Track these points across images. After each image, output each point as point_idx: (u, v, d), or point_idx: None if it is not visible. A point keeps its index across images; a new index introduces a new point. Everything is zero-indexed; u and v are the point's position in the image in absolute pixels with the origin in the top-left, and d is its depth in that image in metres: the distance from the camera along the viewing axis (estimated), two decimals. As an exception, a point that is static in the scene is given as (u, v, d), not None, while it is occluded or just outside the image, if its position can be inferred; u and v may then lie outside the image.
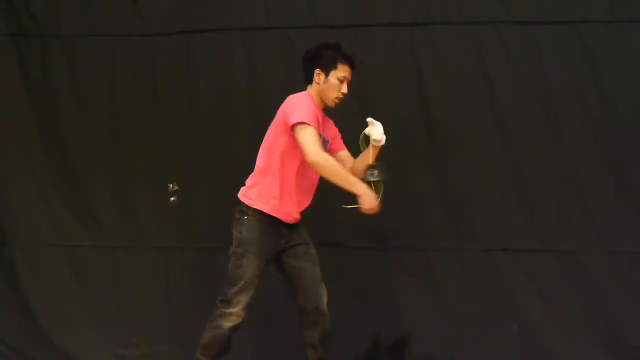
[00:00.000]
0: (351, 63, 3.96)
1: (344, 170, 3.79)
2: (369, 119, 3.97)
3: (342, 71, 3.93)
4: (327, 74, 3.93)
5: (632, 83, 4.65)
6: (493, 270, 4.77)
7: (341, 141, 4.18)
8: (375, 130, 3.95)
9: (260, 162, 3.98)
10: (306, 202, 4.04)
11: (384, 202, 3.77)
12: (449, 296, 4.81)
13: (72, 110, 5.21)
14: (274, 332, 4.89)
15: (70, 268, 5.19)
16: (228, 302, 3.92)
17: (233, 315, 3.91)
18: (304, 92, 3.96)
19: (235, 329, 3.94)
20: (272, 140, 3.93)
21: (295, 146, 3.82)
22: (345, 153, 4.16)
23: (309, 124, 3.74)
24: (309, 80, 3.99)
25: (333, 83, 3.93)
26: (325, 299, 4.06)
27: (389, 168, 3.93)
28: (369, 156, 4.01)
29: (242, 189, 4.02)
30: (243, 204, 3.96)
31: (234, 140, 4.96)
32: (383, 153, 4.03)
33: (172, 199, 4.66)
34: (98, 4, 5.17)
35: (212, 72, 5.04)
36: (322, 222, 4.62)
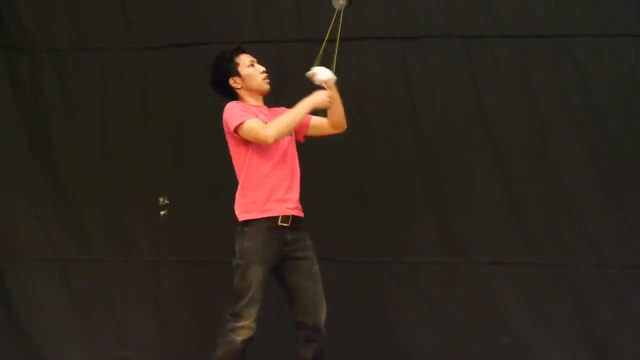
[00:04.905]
0: (241, 50, 4.09)
1: (289, 113, 3.92)
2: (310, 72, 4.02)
3: (243, 60, 4.06)
4: (238, 74, 4.04)
5: (621, 96, 4.66)
6: (483, 284, 4.76)
7: None
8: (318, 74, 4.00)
9: (237, 174, 4.03)
10: (295, 190, 4.03)
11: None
12: (439, 310, 4.80)
13: (62, 124, 5.20)
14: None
15: (60, 282, 5.17)
16: (238, 315, 3.90)
17: (245, 328, 3.90)
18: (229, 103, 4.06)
19: (248, 341, 3.92)
20: (233, 151, 4.03)
21: (253, 147, 3.93)
22: (315, 118, 4.20)
23: (243, 121, 3.88)
24: (235, 95, 4.08)
25: (248, 72, 4.05)
26: (324, 317, 4.03)
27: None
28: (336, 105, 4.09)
29: (235, 203, 4.02)
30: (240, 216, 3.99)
31: (225, 153, 4.93)
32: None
33: (162, 212, 4.65)
34: (88, 18, 5.17)
35: (202, 85, 5.01)
36: (311, 236, 4.60)
